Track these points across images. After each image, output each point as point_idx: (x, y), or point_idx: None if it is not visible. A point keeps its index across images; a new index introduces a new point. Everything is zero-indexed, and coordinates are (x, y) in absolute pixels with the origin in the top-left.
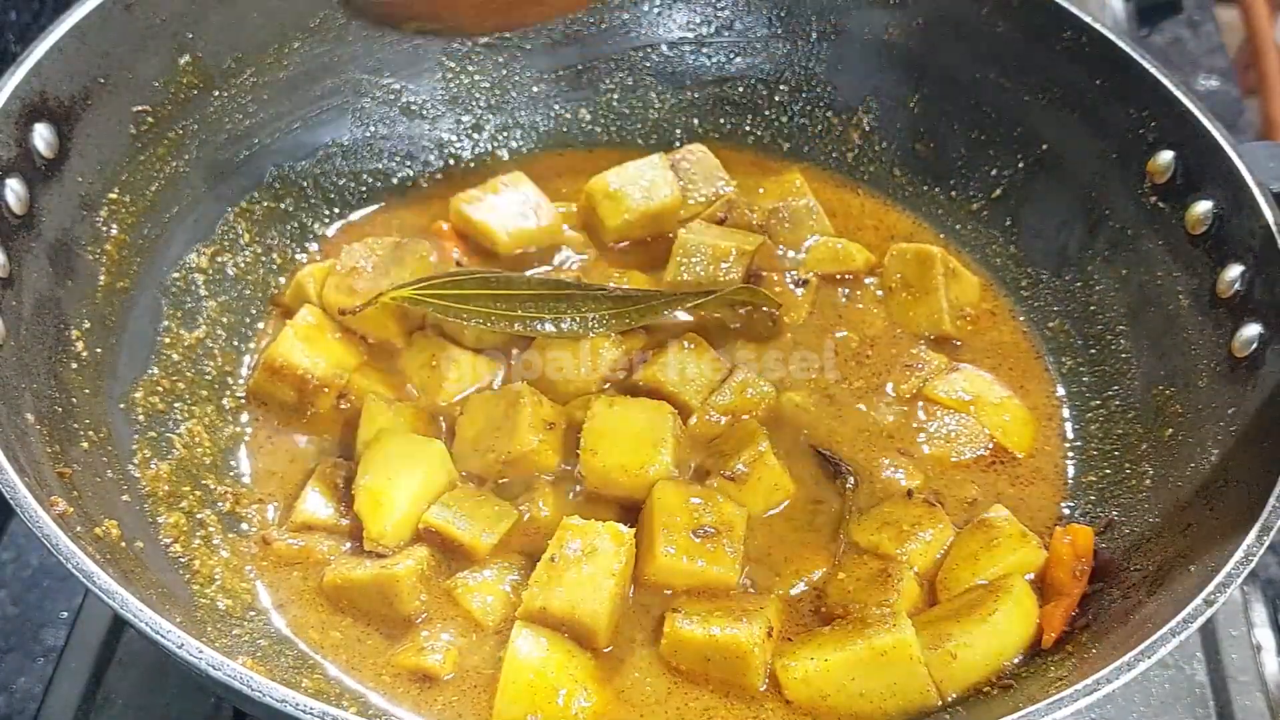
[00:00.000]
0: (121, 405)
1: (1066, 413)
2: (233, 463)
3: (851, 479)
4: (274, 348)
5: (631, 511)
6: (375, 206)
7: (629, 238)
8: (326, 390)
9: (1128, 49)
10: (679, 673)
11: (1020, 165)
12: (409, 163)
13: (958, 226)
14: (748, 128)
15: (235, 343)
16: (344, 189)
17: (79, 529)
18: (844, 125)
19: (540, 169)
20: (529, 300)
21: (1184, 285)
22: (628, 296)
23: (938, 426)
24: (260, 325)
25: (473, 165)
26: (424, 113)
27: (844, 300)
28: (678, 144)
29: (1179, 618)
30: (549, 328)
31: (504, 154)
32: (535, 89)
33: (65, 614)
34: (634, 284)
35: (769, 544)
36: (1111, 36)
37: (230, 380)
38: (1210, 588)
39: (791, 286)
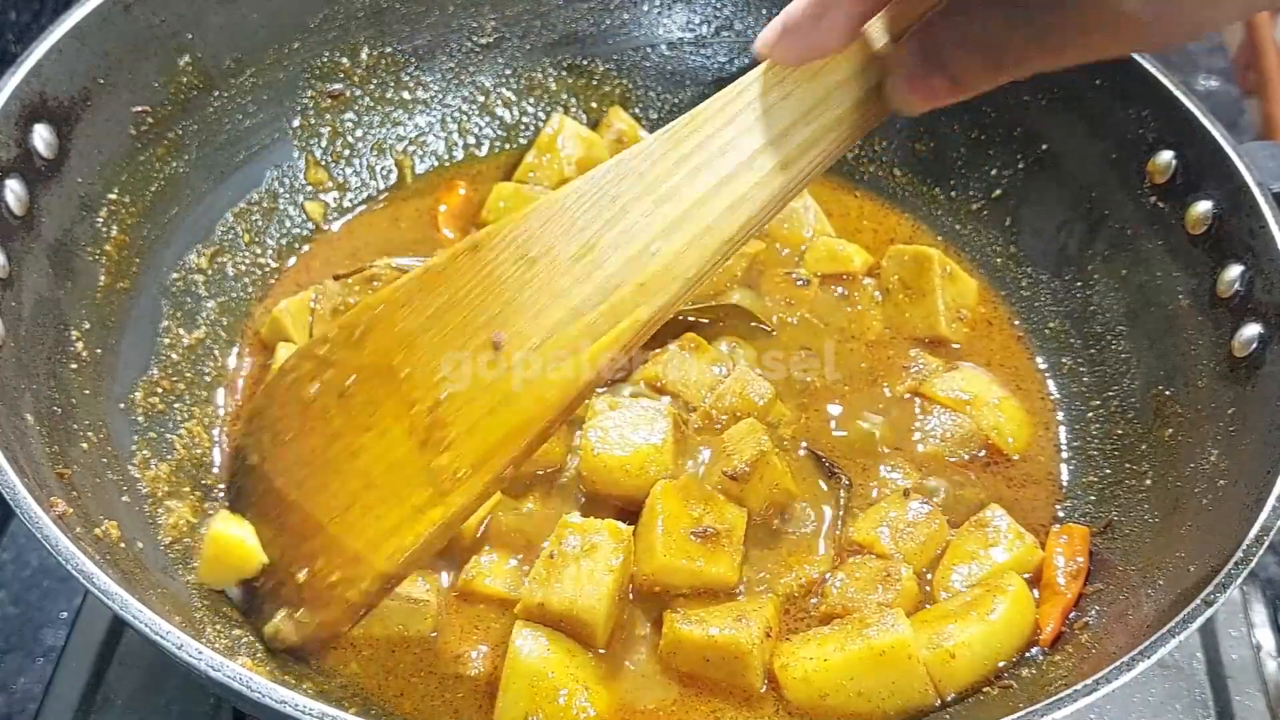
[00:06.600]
0: (121, 405)
1: (1065, 414)
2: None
3: (845, 479)
4: None
5: (631, 512)
6: (376, 204)
7: None
8: None
9: None
10: (679, 674)
11: (1020, 165)
12: (408, 159)
13: (957, 227)
14: None
15: (235, 344)
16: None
17: (79, 530)
18: None
19: None
20: None
21: (1184, 285)
22: None
23: (934, 425)
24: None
25: (472, 163)
26: (424, 110)
27: (842, 301)
28: None
29: (1179, 618)
30: None
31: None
32: None
33: (65, 614)
34: None
35: (769, 544)
36: None
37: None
38: (1210, 588)
39: (795, 282)
